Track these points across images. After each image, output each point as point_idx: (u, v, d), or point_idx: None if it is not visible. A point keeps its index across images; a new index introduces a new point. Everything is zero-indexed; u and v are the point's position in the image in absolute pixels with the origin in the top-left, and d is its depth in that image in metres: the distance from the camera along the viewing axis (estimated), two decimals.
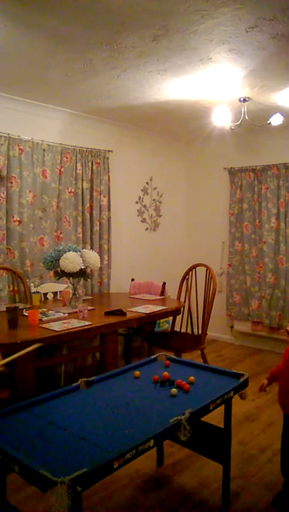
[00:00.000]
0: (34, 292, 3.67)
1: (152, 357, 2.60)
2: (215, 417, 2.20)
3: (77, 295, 3.54)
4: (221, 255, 5.32)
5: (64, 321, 3.04)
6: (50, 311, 3.27)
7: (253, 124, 3.68)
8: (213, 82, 3.21)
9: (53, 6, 2.13)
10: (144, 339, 4.26)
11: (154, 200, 5.26)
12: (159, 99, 3.65)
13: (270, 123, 3.64)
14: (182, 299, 4.09)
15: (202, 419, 2.01)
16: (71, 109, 4.04)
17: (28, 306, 3.51)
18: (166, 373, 2.22)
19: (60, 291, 3.94)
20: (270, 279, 4.76)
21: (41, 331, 2.80)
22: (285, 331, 2.41)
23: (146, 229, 5.20)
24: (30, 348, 2.14)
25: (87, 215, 4.29)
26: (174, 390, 2.04)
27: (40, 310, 3.23)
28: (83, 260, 3.32)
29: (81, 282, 4.06)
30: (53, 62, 2.87)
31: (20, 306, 3.44)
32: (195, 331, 4.05)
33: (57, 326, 2.86)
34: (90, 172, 4.27)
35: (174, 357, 2.64)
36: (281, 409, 2.29)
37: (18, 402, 1.91)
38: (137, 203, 5.04)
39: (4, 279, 3.64)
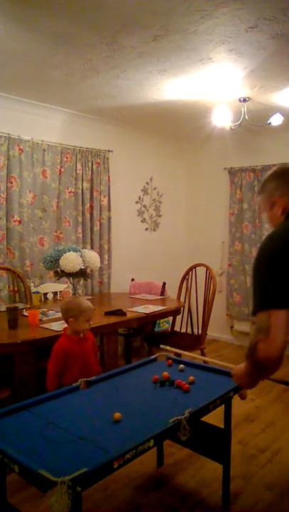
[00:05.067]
0: (34, 292, 3.67)
1: (152, 357, 2.60)
2: (215, 417, 2.20)
3: (77, 295, 3.54)
4: (221, 255, 5.32)
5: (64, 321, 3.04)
6: (50, 311, 3.27)
7: (253, 124, 3.68)
8: (213, 82, 3.21)
9: (53, 7, 2.13)
10: (144, 339, 4.26)
11: (154, 200, 5.25)
12: (159, 99, 3.65)
13: (270, 123, 3.64)
14: (182, 299, 4.09)
15: (202, 419, 2.01)
16: (71, 109, 4.04)
17: (28, 306, 3.51)
18: (165, 373, 2.22)
19: (60, 291, 3.94)
20: None
21: (41, 331, 2.80)
22: None
23: (146, 229, 5.20)
24: None
25: (87, 215, 4.29)
26: (182, 366, 2.34)
27: (40, 310, 3.24)
28: (83, 260, 3.31)
29: (81, 282, 4.07)
30: (53, 62, 2.87)
31: (20, 306, 3.45)
32: (195, 330, 4.05)
33: (57, 326, 2.86)
34: (90, 172, 4.27)
35: (174, 357, 2.64)
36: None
37: (18, 402, 1.91)
38: (137, 203, 5.03)
39: (4, 279, 3.64)
